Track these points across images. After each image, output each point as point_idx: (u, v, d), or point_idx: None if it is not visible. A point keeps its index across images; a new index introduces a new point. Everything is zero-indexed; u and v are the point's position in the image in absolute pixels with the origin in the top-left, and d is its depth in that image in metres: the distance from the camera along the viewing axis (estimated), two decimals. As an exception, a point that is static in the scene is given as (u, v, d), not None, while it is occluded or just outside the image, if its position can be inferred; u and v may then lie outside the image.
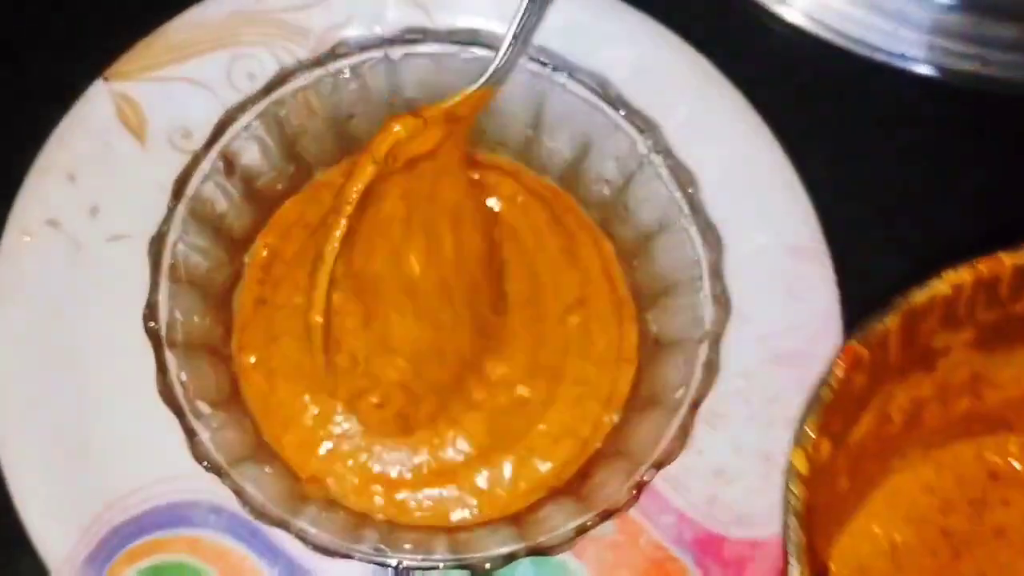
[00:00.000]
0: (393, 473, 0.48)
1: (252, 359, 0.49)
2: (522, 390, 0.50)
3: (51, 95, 0.55)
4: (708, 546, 0.50)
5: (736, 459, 0.51)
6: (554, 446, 0.49)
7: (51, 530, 0.48)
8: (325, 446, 0.48)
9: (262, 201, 0.51)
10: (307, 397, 0.49)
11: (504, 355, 0.50)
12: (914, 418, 0.44)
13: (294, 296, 0.50)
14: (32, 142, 0.53)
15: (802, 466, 0.36)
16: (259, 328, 0.50)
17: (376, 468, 0.48)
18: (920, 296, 0.39)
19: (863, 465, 0.44)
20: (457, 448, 0.49)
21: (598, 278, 0.52)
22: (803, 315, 0.53)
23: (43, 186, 0.52)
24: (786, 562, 0.35)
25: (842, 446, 0.40)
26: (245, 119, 0.47)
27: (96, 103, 0.53)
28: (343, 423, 0.49)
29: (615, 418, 0.50)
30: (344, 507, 0.47)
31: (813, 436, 0.37)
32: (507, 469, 0.48)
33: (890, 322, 0.39)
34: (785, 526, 0.36)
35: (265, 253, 0.52)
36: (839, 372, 0.38)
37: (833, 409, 0.38)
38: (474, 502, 0.48)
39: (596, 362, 0.50)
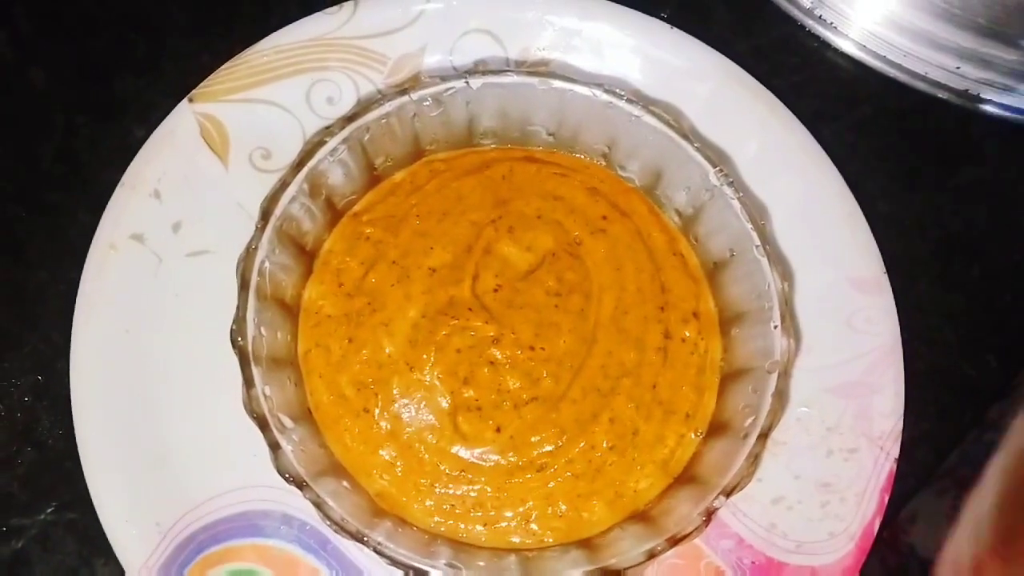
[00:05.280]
0: (458, 509, 0.48)
1: (304, 372, 0.50)
2: (638, 432, 0.49)
3: (138, 115, 0.57)
4: (767, 572, 0.51)
5: (795, 487, 0.52)
6: (648, 489, 0.49)
7: (130, 536, 0.50)
8: (382, 476, 0.48)
9: (340, 218, 0.52)
10: (347, 421, 0.49)
11: (631, 392, 0.49)
12: None
13: (318, 300, 0.50)
14: (120, 160, 0.55)
15: None
16: (304, 336, 0.50)
17: (445, 506, 0.48)
18: None
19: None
20: (547, 500, 0.48)
21: (705, 291, 0.52)
22: (864, 346, 0.53)
23: (129, 202, 0.54)
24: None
25: None
26: (332, 143, 0.48)
27: (181, 123, 0.55)
28: (391, 450, 0.49)
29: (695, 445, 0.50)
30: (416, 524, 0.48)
31: None
32: (595, 511, 0.48)
33: None
34: None
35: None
36: None
37: None
38: (550, 537, 0.48)
39: (698, 388, 0.50)
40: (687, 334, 0.51)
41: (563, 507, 0.48)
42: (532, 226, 0.51)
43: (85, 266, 0.53)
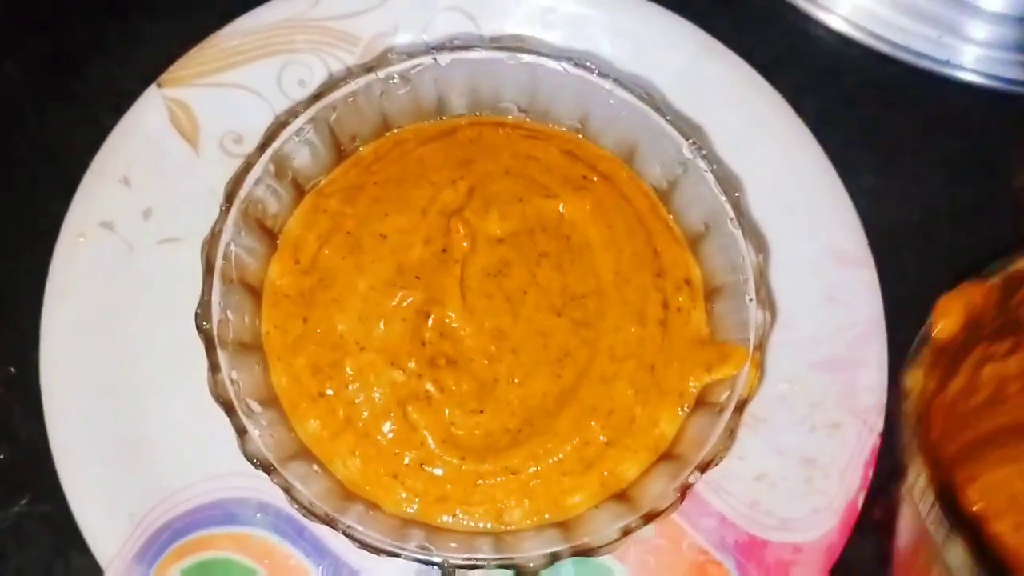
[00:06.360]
0: (423, 502, 0.47)
1: (267, 355, 0.49)
2: (635, 419, 0.47)
3: (107, 101, 0.56)
4: (750, 550, 0.50)
5: (778, 463, 0.51)
6: (636, 468, 0.47)
7: (103, 526, 0.49)
8: (345, 464, 0.47)
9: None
10: (305, 406, 0.47)
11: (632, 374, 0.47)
12: (998, 394, 0.45)
13: (277, 279, 0.49)
14: (88, 146, 0.54)
15: (916, 384, 0.37)
16: (265, 318, 0.49)
17: (406, 495, 0.47)
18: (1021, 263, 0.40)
19: (953, 426, 0.44)
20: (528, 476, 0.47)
21: (691, 258, 0.50)
22: (846, 320, 0.52)
23: (98, 189, 0.53)
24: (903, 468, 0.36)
25: (939, 396, 0.40)
26: (297, 123, 0.48)
27: (150, 109, 0.54)
28: (349, 438, 0.47)
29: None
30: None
31: (923, 366, 0.38)
32: (576, 498, 0.47)
33: (991, 283, 0.40)
34: (903, 429, 0.36)
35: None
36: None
37: (935, 355, 0.39)
38: (526, 522, 0.47)
39: (691, 365, 0.48)
40: (681, 300, 0.49)
41: (543, 503, 0.46)
42: (500, 184, 0.49)
43: (54, 255, 0.52)
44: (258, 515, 0.50)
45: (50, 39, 0.60)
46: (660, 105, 0.48)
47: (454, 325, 0.47)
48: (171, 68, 0.55)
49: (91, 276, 0.52)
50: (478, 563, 0.44)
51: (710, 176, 0.47)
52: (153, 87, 0.54)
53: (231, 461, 0.47)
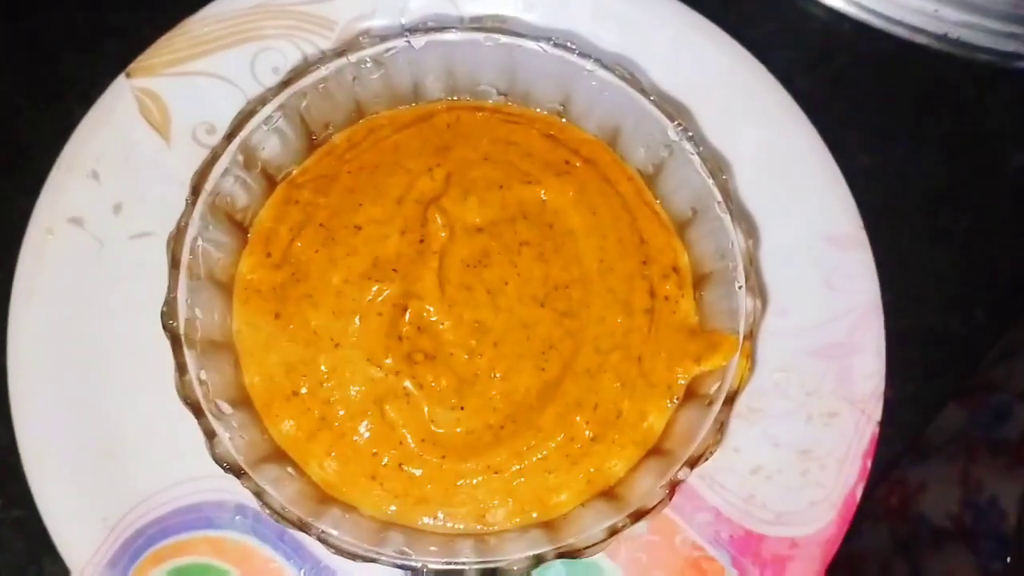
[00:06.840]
0: (403, 503, 0.45)
1: (239, 353, 0.47)
2: (621, 413, 0.46)
3: (80, 94, 0.54)
4: (746, 545, 0.49)
5: (774, 455, 0.50)
6: (624, 464, 0.45)
7: (74, 532, 0.48)
8: (321, 465, 0.45)
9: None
10: (278, 405, 0.46)
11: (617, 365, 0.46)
12: None
13: (248, 274, 0.47)
14: (61, 141, 0.52)
15: None
16: (236, 315, 0.47)
17: (386, 497, 0.45)
18: None
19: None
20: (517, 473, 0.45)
21: (679, 243, 0.48)
22: (842, 306, 0.51)
23: (66, 184, 0.52)
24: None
25: None
26: (265, 111, 0.46)
27: (119, 100, 0.52)
28: (324, 438, 0.45)
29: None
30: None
31: None
32: (562, 497, 0.45)
33: None
34: None
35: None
36: None
37: None
38: (509, 523, 0.45)
39: (680, 356, 0.46)
40: (668, 288, 0.47)
41: (527, 502, 0.45)
42: (479, 171, 0.48)
43: (21, 253, 0.51)
44: (236, 518, 0.49)
45: (17, 29, 0.58)
46: (644, 86, 0.46)
47: (432, 319, 0.46)
48: (140, 57, 0.53)
49: (60, 274, 0.51)
50: (459, 567, 0.42)
51: (696, 159, 0.45)
52: (121, 77, 0.53)
53: (208, 463, 0.45)
